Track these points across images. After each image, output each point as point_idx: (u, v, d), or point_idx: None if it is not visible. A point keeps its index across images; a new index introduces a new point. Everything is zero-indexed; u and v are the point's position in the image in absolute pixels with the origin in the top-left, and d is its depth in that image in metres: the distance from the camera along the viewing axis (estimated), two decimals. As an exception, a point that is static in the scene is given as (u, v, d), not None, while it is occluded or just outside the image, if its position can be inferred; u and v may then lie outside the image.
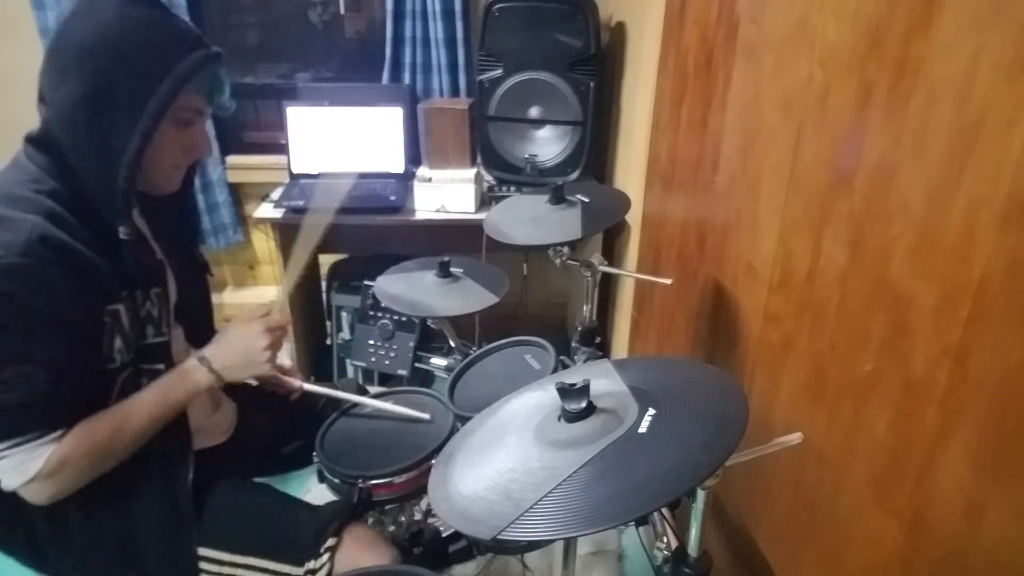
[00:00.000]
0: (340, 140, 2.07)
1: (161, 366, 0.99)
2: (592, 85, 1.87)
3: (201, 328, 1.14)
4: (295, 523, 1.01)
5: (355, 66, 2.45)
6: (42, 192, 0.84)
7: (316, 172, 2.09)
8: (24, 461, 0.83)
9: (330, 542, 0.97)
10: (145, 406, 0.93)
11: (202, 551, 0.97)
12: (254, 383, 1.19)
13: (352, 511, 1.02)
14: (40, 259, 0.80)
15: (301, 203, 1.93)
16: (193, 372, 0.98)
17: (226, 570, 0.97)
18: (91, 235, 0.86)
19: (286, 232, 2.00)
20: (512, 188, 2.01)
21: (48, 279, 0.81)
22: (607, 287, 2.16)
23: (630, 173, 1.80)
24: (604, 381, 0.75)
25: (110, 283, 0.89)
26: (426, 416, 1.15)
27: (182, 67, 0.85)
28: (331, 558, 0.96)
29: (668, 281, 1.30)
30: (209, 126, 2.04)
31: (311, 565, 0.96)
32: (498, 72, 1.91)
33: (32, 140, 0.89)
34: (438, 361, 1.44)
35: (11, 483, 0.85)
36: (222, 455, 1.14)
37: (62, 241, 0.82)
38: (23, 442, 0.83)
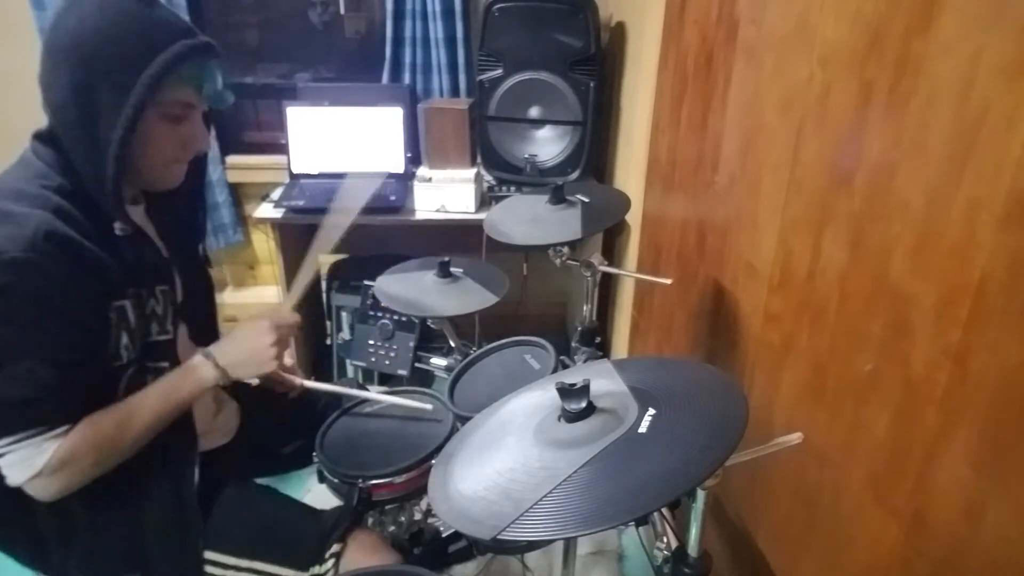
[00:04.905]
0: (340, 140, 2.07)
1: (166, 364, 0.99)
2: (592, 85, 1.87)
3: (205, 328, 1.14)
4: (300, 528, 1.01)
5: (355, 66, 2.45)
6: (49, 188, 0.85)
7: (316, 172, 2.09)
8: (30, 456, 0.84)
9: (335, 548, 0.97)
10: (151, 402, 0.93)
11: (207, 554, 0.97)
12: (256, 382, 1.19)
13: (356, 516, 1.02)
14: (45, 254, 0.80)
15: (301, 203, 1.93)
16: (199, 368, 0.98)
17: (230, 574, 0.97)
18: (97, 231, 0.86)
19: (286, 232, 2.00)
20: (512, 188, 2.01)
21: (53, 274, 0.81)
22: (607, 287, 2.16)
23: (630, 173, 1.80)
24: (604, 381, 0.75)
25: (116, 279, 0.89)
26: (428, 407, 1.15)
27: (163, 56, 0.84)
28: (336, 564, 0.96)
29: (668, 281, 1.30)
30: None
31: (316, 570, 0.96)
32: (498, 72, 1.91)
33: (39, 137, 0.89)
34: (438, 361, 1.44)
35: (16, 478, 0.85)
36: (225, 456, 1.14)
37: (68, 237, 0.82)
38: (28, 437, 0.83)
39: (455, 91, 2.23)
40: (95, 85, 0.83)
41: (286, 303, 1.17)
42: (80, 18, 0.83)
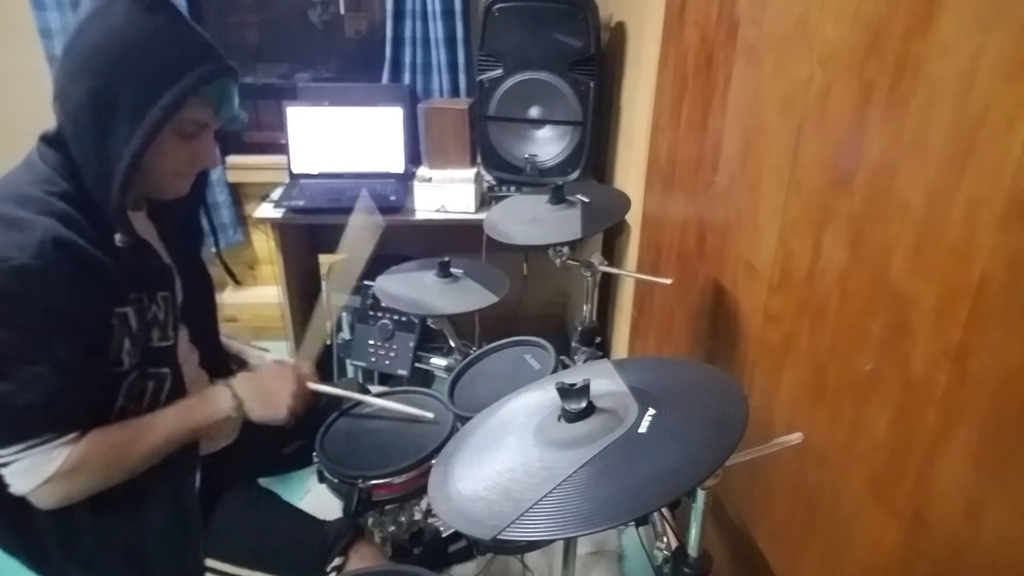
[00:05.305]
0: (340, 140, 2.07)
1: (166, 370, 0.99)
2: (592, 85, 1.87)
3: (205, 329, 1.14)
4: (302, 539, 1.01)
5: (355, 66, 2.45)
6: (54, 193, 0.84)
7: (316, 172, 2.09)
8: (38, 464, 0.84)
9: (336, 561, 0.97)
10: (166, 422, 0.94)
11: (208, 562, 0.97)
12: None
13: (358, 529, 1.02)
14: (53, 261, 0.80)
15: (301, 203, 1.93)
16: (218, 396, 0.99)
17: None
18: (101, 237, 0.86)
19: (286, 232, 2.00)
20: (512, 188, 2.01)
21: (61, 280, 0.81)
22: (607, 287, 2.16)
23: (630, 173, 1.80)
24: (604, 381, 0.75)
25: (119, 285, 0.89)
26: (429, 415, 1.15)
27: (188, 79, 0.84)
28: None
29: (668, 281, 1.30)
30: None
31: None
32: (498, 72, 1.91)
33: (46, 139, 0.88)
34: (438, 361, 1.44)
35: (23, 486, 0.85)
36: (226, 458, 1.14)
37: (74, 243, 0.82)
38: (37, 444, 0.83)
39: (455, 91, 2.23)
40: (116, 95, 0.82)
41: (303, 357, 1.20)
42: (107, 27, 0.82)
